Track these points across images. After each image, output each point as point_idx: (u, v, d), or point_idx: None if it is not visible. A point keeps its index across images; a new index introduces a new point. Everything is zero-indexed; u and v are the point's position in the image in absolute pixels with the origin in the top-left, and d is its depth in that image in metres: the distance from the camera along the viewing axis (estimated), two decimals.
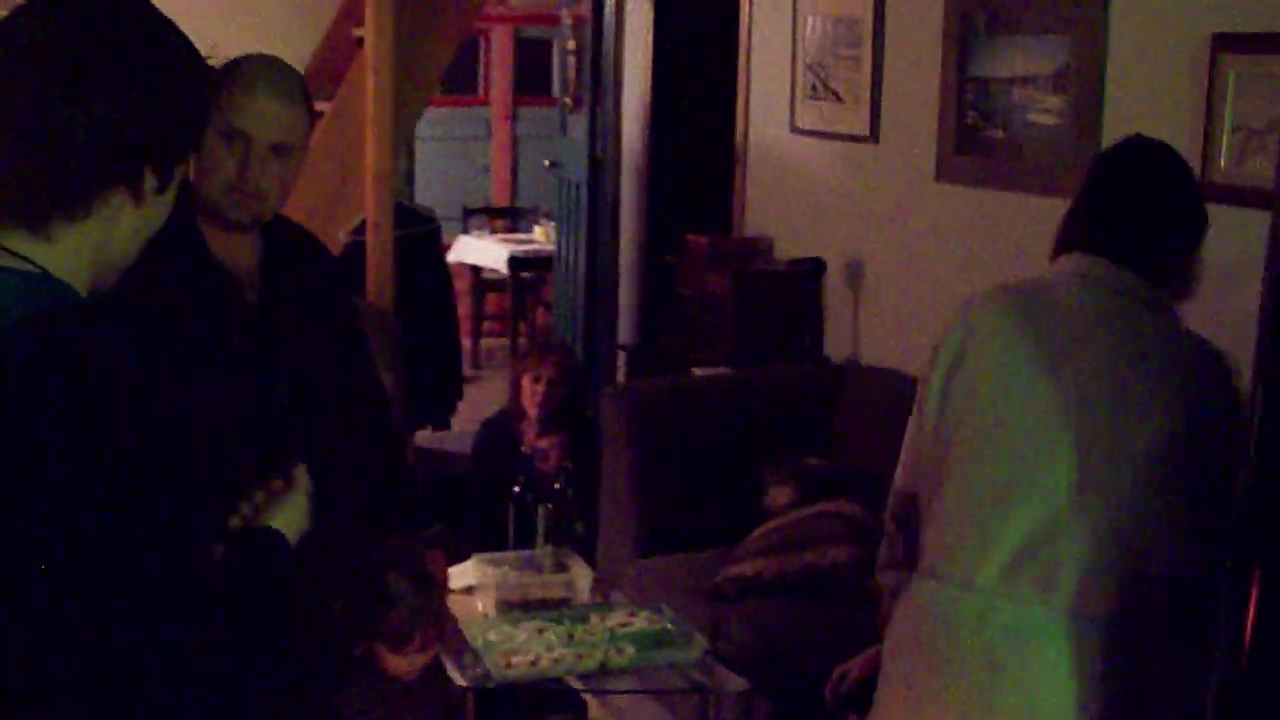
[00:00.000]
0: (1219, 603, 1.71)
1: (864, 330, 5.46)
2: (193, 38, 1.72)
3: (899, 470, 2.89)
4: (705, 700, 3.27)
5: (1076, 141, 4.30)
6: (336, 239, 5.74)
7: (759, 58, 6.19)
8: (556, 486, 3.82)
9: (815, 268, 5.61)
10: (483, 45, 12.98)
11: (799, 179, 5.90)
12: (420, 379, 6.01)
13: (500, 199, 12.75)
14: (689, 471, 5.00)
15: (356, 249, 5.75)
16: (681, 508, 4.96)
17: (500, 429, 5.47)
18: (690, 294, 6.09)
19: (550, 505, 3.75)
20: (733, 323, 5.75)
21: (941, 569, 2.64)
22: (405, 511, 3.06)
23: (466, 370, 8.90)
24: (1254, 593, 1.58)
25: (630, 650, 3.20)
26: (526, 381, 5.32)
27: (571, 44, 8.20)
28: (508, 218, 11.66)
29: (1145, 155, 2.76)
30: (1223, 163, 3.82)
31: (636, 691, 3.21)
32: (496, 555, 3.61)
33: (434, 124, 11.94)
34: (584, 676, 3.18)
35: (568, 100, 8.30)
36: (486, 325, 10.71)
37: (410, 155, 10.57)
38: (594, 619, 3.32)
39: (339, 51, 6.82)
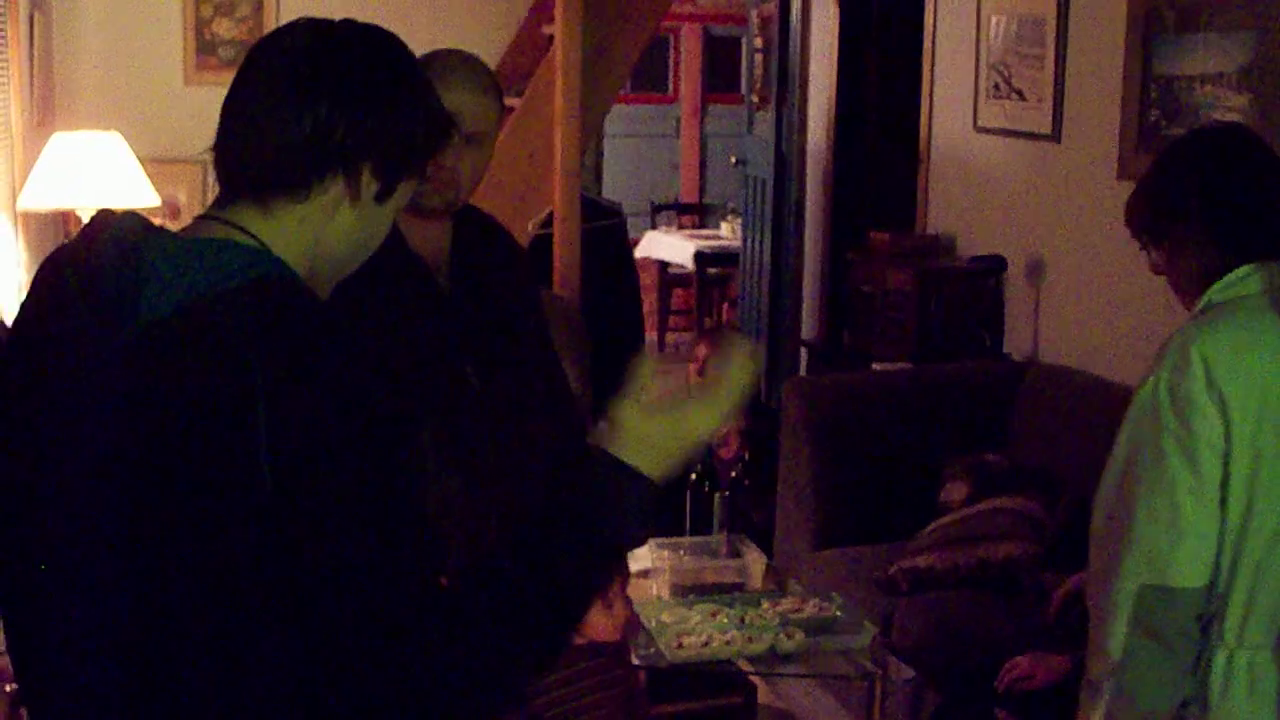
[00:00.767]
0: None
1: (1044, 328, 5.46)
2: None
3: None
4: (872, 688, 3.32)
5: None
6: (524, 231, 5.87)
7: (943, 56, 6.21)
8: (733, 475, 3.89)
9: (996, 265, 5.61)
10: (673, 44, 13.10)
11: (981, 177, 5.91)
12: (603, 370, 6.11)
13: (688, 195, 12.85)
14: (866, 466, 5.05)
15: (543, 241, 5.88)
16: (858, 501, 5.01)
17: None
18: (872, 290, 6.12)
19: (726, 493, 3.82)
20: (914, 319, 5.78)
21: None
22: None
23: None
24: None
25: (800, 635, 3.25)
26: (691, 366, 5.45)
27: (759, 42, 8.27)
28: (695, 214, 11.75)
29: (1243, 140, 2.67)
30: None
31: (805, 675, 3.28)
32: (672, 540, 3.69)
33: (625, 120, 12.10)
34: (753, 660, 3.25)
35: (754, 98, 8.37)
36: (672, 320, 10.80)
37: (598, 150, 10.71)
38: (765, 604, 3.38)
39: (530, 49, 6.97)
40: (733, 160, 8.96)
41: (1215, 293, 2.57)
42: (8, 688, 2.93)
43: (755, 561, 3.62)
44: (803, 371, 7.35)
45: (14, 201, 4.95)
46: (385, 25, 1.87)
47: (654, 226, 11.09)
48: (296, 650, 1.62)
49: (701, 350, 5.47)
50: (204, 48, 6.47)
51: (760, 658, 3.24)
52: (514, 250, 3.22)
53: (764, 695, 3.17)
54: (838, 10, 7.21)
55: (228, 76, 1.80)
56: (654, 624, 3.26)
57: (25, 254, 5.10)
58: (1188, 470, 2.38)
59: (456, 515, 2.83)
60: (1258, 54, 4.31)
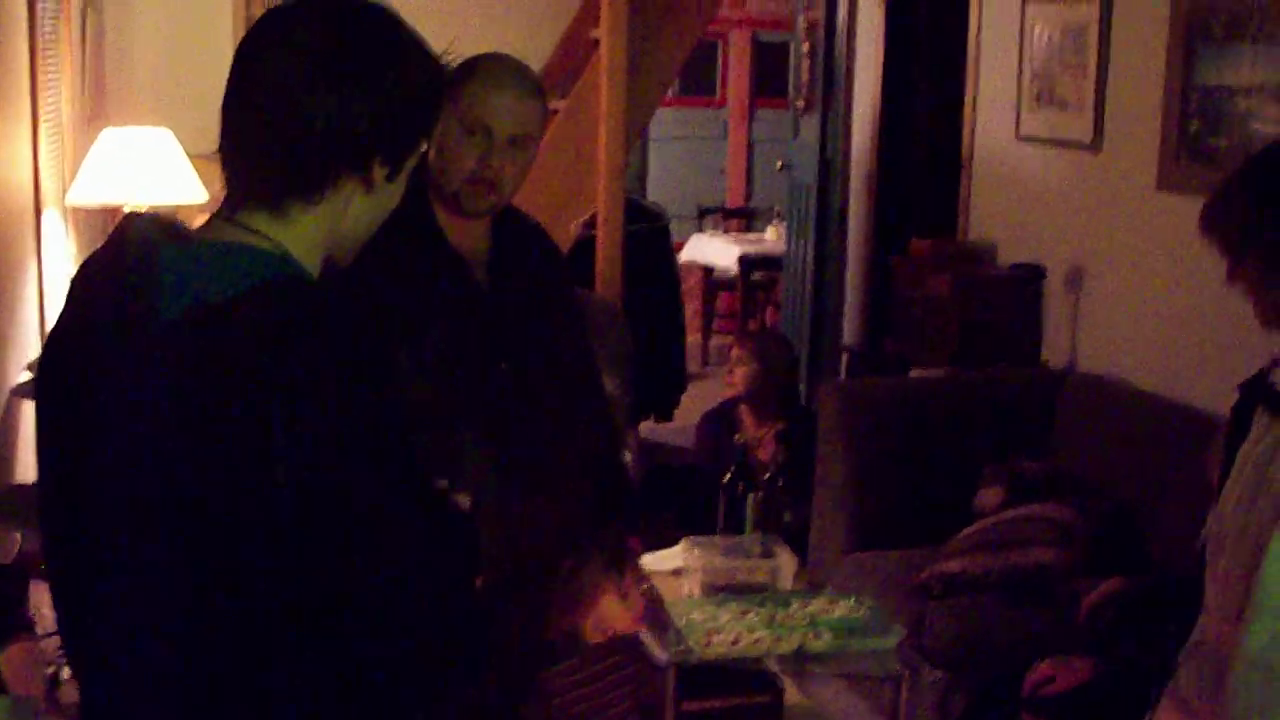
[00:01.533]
0: None
1: (1083, 337, 5.47)
2: (435, 38, 1.88)
3: None
4: (899, 689, 3.34)
5: None
6: (568, 231, 5.92)
7: (986, 64, 6.23)
8: (768, 476, 3.92)
9: (1036, 274, 5.63)
10: (721, 48, 13.12)
11: (1023, 185, 5.93)
12: (645, 371, 6.16)
13: (735, 199, 12.87)
14: (902, 470, 5.07)
15: (587, 242, 5.93)
16: (894, 505, 5.03)
17: (721, 418, 5.61)
18: (913, 296, 6.14)
19: (761, 494, 3.84)
20: (954, 326, 5.79)
21: None
22: (616, 506, 3.18)
23: (696, 367, 9.02)
24: None
25: (828, 636, 3.27)
26: (728, 365, 5.49)
27: (806, 47, 8.29)
28: (741, 218, 11.77)
29: None
30: None
31: (833, 675, 3.30)
32: (705, 539, 3.70)
33: (673, 124, 12.14)
34: (782, 659, 3.26)
35: (800, 103, 8.39)
36: (717, 323, 10.82)
37: (644, 153, 10.74)
38: (795, 604, 3.40)
39: (576, 51, 7.01)
40: (778, 165, 8.98)
41: None
42: (49, 669, 2.99)
43: (787, 563, 3.64)
44: (843, 376, 7.37)
45: (63, 196, 5.00)
46: (432, 28, 1.88)
47: (700, 230, 11.12)
48: (322, 645, 1.66)
49: (735, 351, 5.51)
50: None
51: (788, 657, 3.26)
52: (553, 252, 3.25)
53: (792, 695, 3.18)
54: (883, 16, 7.23)
55: None
56: (684, 622, 3.28)
57: (75, 249, 5.15)
58: None
59: (488, 516, 2.88)
60: None
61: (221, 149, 1.78)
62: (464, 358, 2.88)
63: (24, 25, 4.43)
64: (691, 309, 9.40)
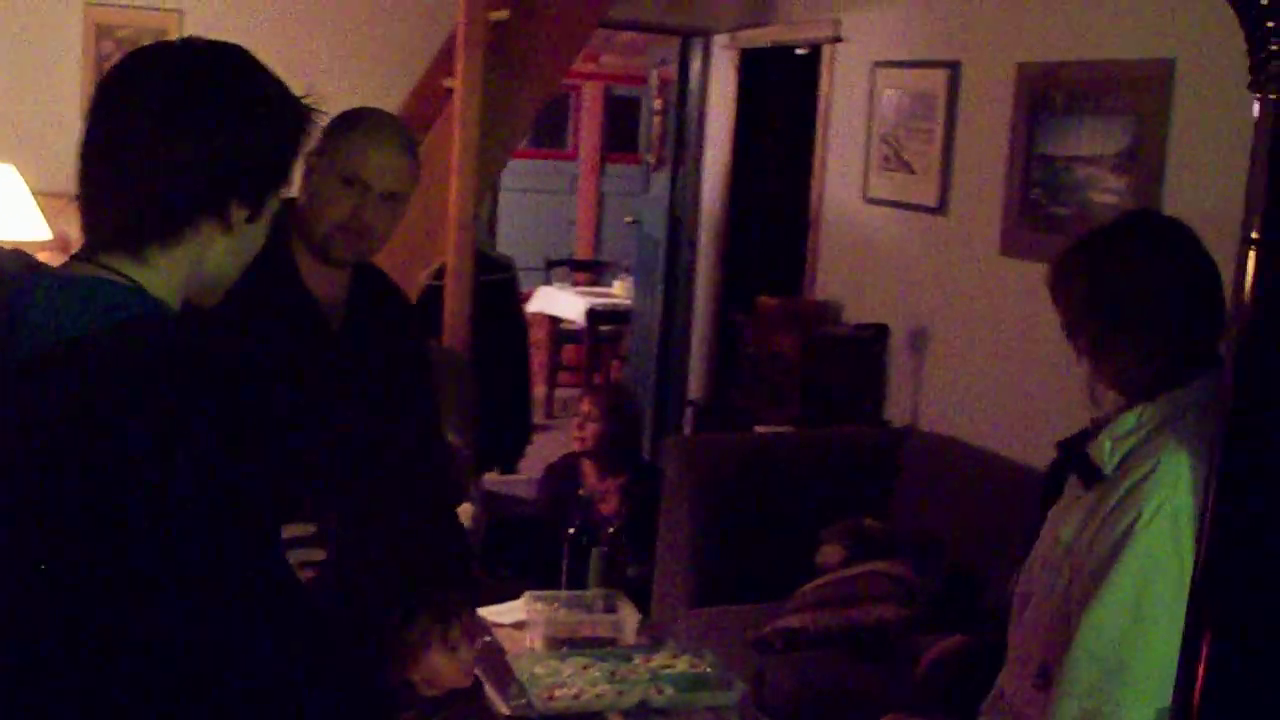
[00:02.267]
0: None
1: (925, 396, 5.56)
2: (291, 83, 1.87)
3: None
4: None
5: None
6: (416, 280, 5.89)
7: (836, 127, 6.32)
8: (611, 530, 3.92)
9: (880, 333, 5.71)
10: (573, 101, 13.18)
11: (869, 246, 6.02)
12: (490, 422, 6.14)
13: (584, 252, 12.90)
14: (746, 526, 5.09)
15: (435, 292, 5.90)
16: (736, 561, 5.05)
17: (564, 471, 5.60)
18: (758, 353, 6.20)
19: (604, 548, 3.85)
20: (799, 383, 5.86)
21: None
22: (449, 561, 3.17)
23: (541, 419, 9.01)
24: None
25: (670, 690, 3.27)
26: (578, 420, 5.48)
27: (658, 103, 8.36)
28: (590, 271, 11.81)
29: (1188, 235, 2.63)
30: None
31: None
32: (547, 593, 3.70)
33: (523, 176, 12.15)
34: (625, 713, 3.26)
35: (651, 158, 8.45)
36: (562, 376, 10.81)
37: (494, 204, 10.74)
38: (637, 659, 3.40)
39: (429, 100, 6.99)
40: (628, 219, 9.03)
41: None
42: None
43: (629, 617, 3.64)
44: (688, 431, 7.40)
45: None
46: (286, 73, 1.88)
47: (548, 282, 11.13)
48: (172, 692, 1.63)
49: (584, 407, 5.51)
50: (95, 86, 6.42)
51: (631, 712, 3.26)
52: (407, 309, 3.30)
53: None
54: (736, 77, 7.31)
55: None
56: (527, 675, 3.27)
57: None
58: None
59: (334, 558, 2.85)
60: (1136, 139, 4.43)
61: (80, 195, 1.77)
62: (313, 402, 2.86)
63: None
64: (538, 361, 9.40)
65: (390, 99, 6.83)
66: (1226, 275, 2.67)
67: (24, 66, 6.49)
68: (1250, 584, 1.55)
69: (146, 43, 1.83)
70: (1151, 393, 2.58)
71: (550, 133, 13.01)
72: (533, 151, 12.60)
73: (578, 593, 3.76)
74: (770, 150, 7.32)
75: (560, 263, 11.68)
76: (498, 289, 6.77)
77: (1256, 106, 1.54)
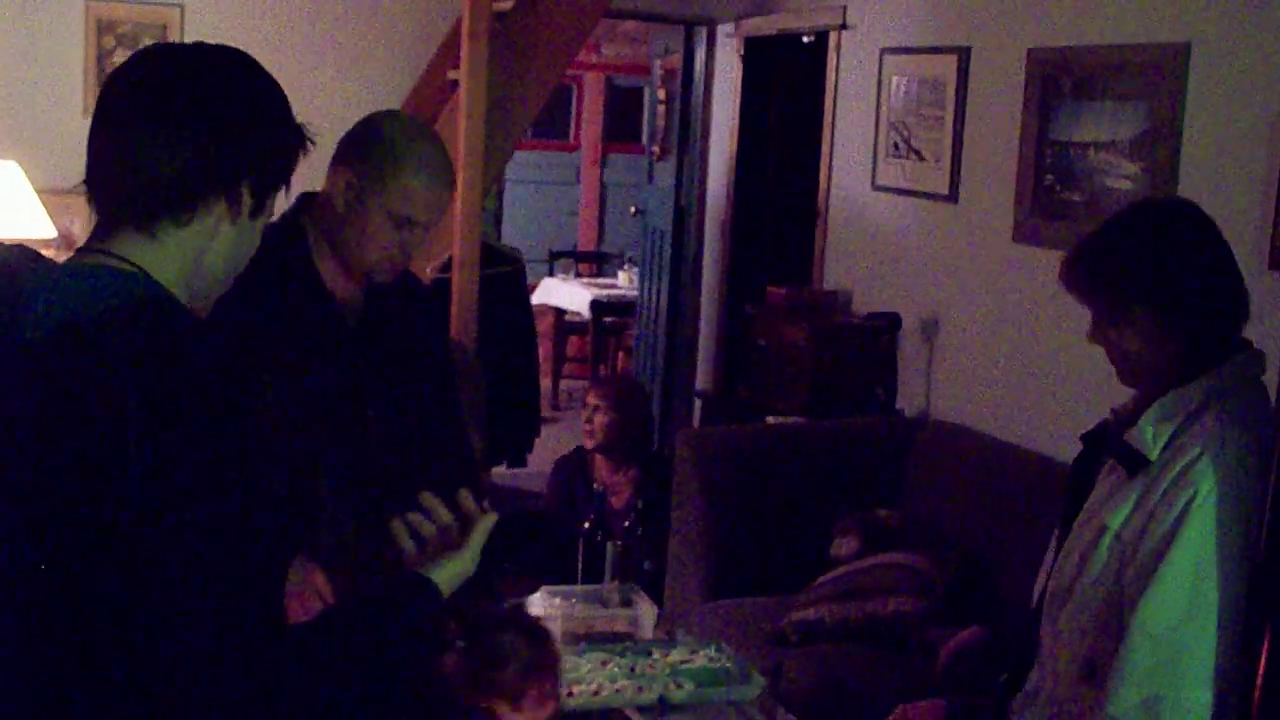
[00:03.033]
0: None
1: (937, 386, 5.52)
2: (294, 78, 1.88)
3: None
4: None
5: None
6: (423, 274, 5.86)
7: (844, 114, 6.29)
8: (626, 524, 3.89)
9: (891, 323, 5.67)
10: (576, 92, 13.15)
11: (878, 235, 5.98)
12: (498, 416, 6.11)
13: (587, 243, 12.89)
14: (759, 518, 5.06)
15: (441, 285, 5.87)
16: (750, 553, 5.02)
17: (575, 465, 5.57)
18: (768, 344, 6.16)
19: (619, 542, 3.82)
20: (808, 374, 5.83)
21: None
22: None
23: (546, 411, 8.99)
24: None
25: (689, 686, 3.25)
26: (585, 413, 5.45)
27: (662, 93, 8.32)
28: (593, 262, 11.79)
29: (1204, 217, 2.65)
30: None
31: None
32: (564, 588, 3.68)
33: (526, 167, 12.14)
34: (643, 709, 3.24)
35: (655, 148, 8.42)
36: (567, 367, 10.80)
37: (499, 196, 10.73)
38: (656, 654, 3.38)
39: (434, 92, 6.96)
40: (632, 210, 9.00)
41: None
42: None
43: (646, 611, 3.62)
44: (696, 422, 7.37)
45: None
46: (294, 67, 1.89)
47: (551, 274, 11.11)
48: (138, 673, 1.64)
49: (591, 399, 5.48)
50: (105, 79, 6.40)
51: (650, 707, 3.24)
52: (424, 298, 3.29)
53: None
54: (740, 65, 7.27)
55: None
56: None
57: None
58: None
59: (351, 559, 2.82)
60: (1150, 124, 4.39)
61: (88, 178, 1.80)
62: (330, 401, 2.85)
63: None
64: (542, 353, 9.38)
65: (395, 91, 6.81)
66: (1241, 257, 2.67)
67: (25, 63, 6.45)
68: None
69: (148, 38, 1.87)
70: (1186, 377, 2.58)
71: (553, 124, 12.98)
72: (535, 143, 12.58)
73: (594, 587, 3.74)
74: (776, 139, 7.28)
75: (564, 254, 11.66)
76: (505, 281, 6.75)
77: None
